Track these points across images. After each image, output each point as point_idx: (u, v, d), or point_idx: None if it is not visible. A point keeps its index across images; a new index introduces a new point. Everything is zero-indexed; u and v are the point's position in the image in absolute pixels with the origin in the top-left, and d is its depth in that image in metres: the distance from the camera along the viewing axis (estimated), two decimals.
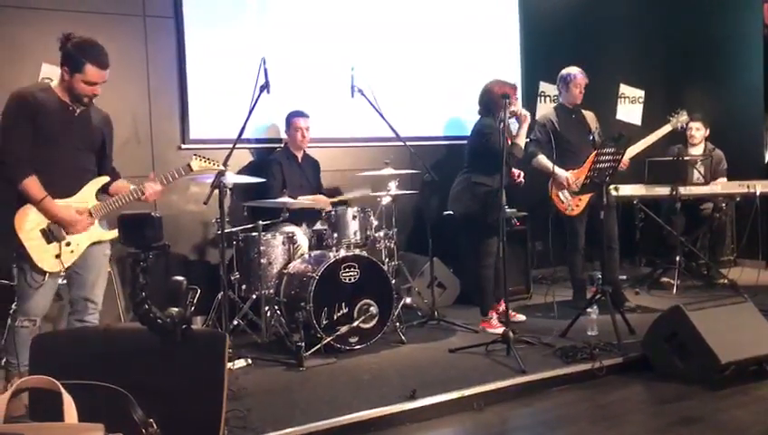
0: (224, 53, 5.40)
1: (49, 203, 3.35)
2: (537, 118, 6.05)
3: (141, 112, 5.16)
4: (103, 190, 3.60)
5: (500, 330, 4.57)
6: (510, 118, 4.75)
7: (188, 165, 3.80)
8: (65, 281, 3.57)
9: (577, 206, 5.30)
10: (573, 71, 5.49)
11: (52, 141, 3.38)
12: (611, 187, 5.26)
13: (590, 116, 5.58)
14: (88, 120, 3.52)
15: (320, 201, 5.26)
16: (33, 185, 3.32)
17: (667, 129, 5.66)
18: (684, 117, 5.71)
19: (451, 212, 5.16)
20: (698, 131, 6.48)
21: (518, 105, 5.04)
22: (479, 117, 5.09)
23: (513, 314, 5.07)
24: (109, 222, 3.59)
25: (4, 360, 3.54)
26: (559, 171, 5.26)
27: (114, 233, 3.32)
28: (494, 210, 4.57)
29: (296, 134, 5.32)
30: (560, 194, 5.33)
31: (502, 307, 4.85)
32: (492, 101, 4.92)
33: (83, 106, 3.46)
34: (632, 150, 5.43)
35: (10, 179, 3.33)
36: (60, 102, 3.40)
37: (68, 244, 3.43)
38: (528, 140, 5.38)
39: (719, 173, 6.39)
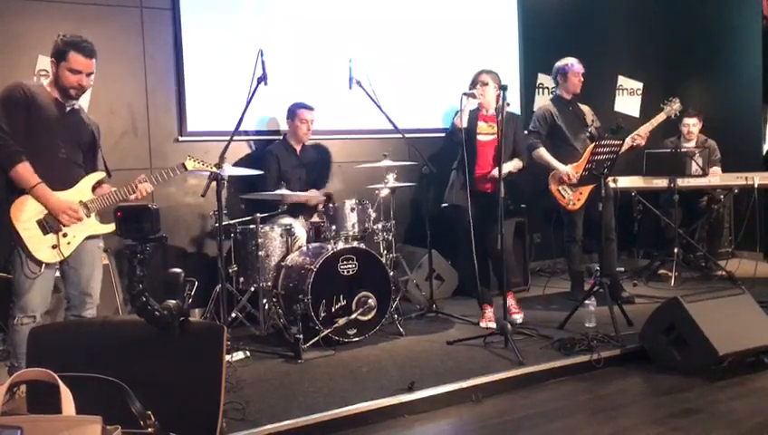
0: (221, 44, 5.37)
1: (42, 189, 3.36)
2: (535, 109, 6.04)
3: (138, 105, 5.14)
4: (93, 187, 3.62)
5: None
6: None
7: (183, 164, 3.83)
8: (59, 275, 3.56)
9: (578, 200, 5.27)
10: (570, 60, 5.45)
11: (44, 134, 3.40)
12: (609, 178, 5.24)
13: (586, 109, 5.54)
14: (78, 118, 3.58)
15: (313, 199, 5.24)
16: (25, 171, 3.33)
17: (661, 117, 5.61)
18: (677, 105, 5.65)
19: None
20: (695, 127, 6.43)
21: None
22: None
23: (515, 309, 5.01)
24: (102, 216, 3.58)
25: (9, 364, 3.50)
26: (560, 166, 5.25)
27: (111, 226, 3.32)
28: None
29: (301, 126, 5.26)
30: (560, 189, 5.31)
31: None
32: None
33: (72, 100, 3.48)
34: (627, 142, 5.41)
35: (1, 166, 3.33)
36: (51, 98, 3.46)
37: (65, 235, 3.43)
38: (527, 131, 5.37)
39: (713, 163, 6.38)
